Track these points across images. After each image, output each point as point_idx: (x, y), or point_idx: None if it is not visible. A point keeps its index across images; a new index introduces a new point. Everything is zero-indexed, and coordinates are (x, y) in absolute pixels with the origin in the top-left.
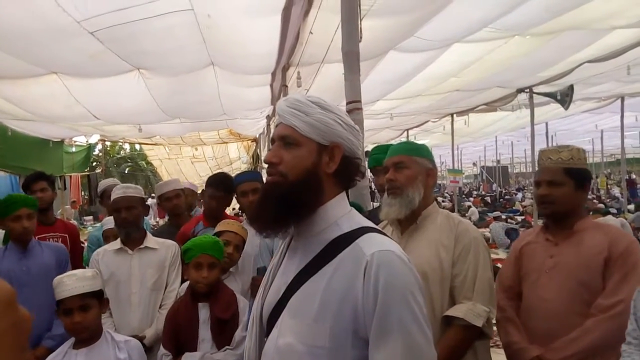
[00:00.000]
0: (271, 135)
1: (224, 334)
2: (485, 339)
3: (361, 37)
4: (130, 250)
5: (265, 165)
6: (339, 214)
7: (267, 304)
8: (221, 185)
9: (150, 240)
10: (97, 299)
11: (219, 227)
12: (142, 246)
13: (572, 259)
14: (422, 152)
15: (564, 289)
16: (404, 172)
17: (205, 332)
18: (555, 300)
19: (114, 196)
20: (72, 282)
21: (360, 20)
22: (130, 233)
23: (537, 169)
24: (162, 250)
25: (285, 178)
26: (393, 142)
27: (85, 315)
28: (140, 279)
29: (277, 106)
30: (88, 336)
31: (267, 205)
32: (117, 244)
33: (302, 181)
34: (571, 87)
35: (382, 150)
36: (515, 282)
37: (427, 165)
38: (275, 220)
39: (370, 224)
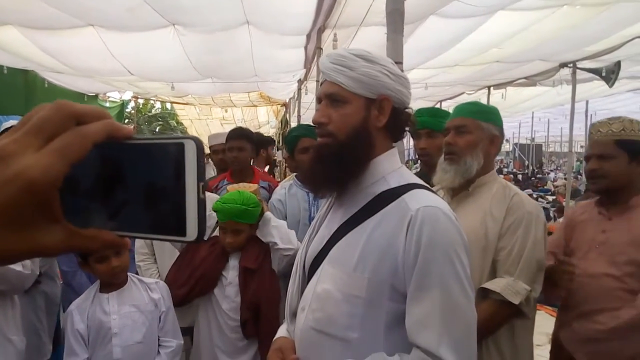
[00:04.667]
0: (317, 93)
1: (250, 281)
2: (524, 319)
3: None
4: None
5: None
6: (389, 169)
7: (310, 252)
8: (241, 135)
9: None
10: None
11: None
12: None
13: (624, 235)
14: (490, 115)
15: (614, 264)
16: (465, 137)
17: (233, 277)
18: (604, 276)
19: None
20: None
21: None
22: None
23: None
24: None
25: (335, 138)
26: None
27: (121, 259)
28: None
29: (321, 63)
30: (124, 278)
31: (320, 167)
32: None
33: (352, 139)
34: (618, 64)
35: (424, 113)
36: (559, 249)
37: (492, 131)
38: (329, 181)
39: (420, 181)
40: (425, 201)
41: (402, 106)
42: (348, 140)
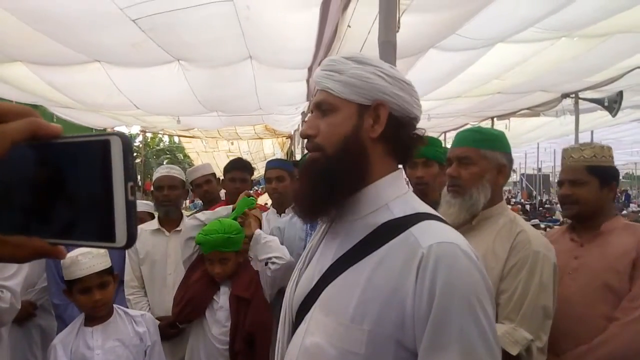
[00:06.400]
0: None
1: (245, 311)
2: None
3: (399, 28)
4: (167, 232)
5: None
6: (392, 195)
7: (298, 293)
8: (244, 167)
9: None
10: (111, 275)
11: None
12: (178, 228)
13: (597, 260)
14: (495, 143)
15: (588, 290)
16: (469, 169)
17: (224, 302)
18: (579, 302)
19: (157, 175)
20: (88, 260)
21: (399, 11)
22: (169, 212)
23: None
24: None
25: (323, 151)
26: None
27: (105, 293)
28: (176, 261)
29: (314, 75)
30: (106, 313)
31: (306, 186)
32: (154, 224)
33: (341, 152)
34: (620, 94)
35: None
36: None
37: (499, 160)
38: (315, 203)
39: (431, 210)
40: (439, 236)
41: (404, 114)
42: (337, 153)
